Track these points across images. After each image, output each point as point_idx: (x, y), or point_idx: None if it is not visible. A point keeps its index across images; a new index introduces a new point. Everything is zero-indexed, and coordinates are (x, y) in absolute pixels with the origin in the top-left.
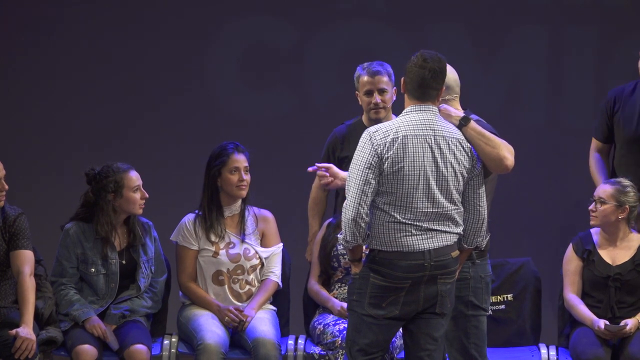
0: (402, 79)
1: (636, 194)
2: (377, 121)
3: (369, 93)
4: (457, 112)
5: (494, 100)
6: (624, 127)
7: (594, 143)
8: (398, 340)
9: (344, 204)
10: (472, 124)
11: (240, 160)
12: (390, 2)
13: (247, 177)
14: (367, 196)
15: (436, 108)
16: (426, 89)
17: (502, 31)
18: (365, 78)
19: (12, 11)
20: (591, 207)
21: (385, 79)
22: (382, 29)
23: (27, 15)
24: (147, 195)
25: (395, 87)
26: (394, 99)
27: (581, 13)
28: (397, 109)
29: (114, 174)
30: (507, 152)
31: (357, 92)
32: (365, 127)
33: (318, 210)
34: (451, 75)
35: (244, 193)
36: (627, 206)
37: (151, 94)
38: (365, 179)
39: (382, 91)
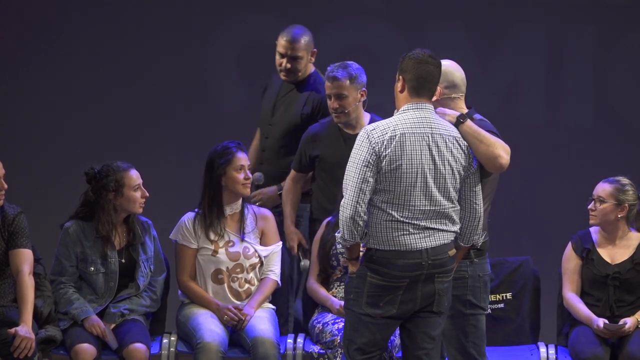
0: (401, 77)
1: (635, 193)
2: (347, 124)
3: (329, 97)
4: (453, 111)
5: (493, 99)
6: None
7: None
8: (397, 339)
9: (342, 203)
10: (468, 122)
11: (244, 158)
12: (390, 1)
13: (250, 175)
14: (364, 194)
15: (432, 106)
16: (429, 84)
17: (501, 30)
18: (326, 83)
19: (15, 13)
20: (590, 206)
21: (344, 83)
22: (382, 28)
23: (30, 17)
24: (148, 194)
25: (364, 89)
26: (364, 99)
27: (580, 12)
28: (376, 109)
29: (115, 172)
30: (502, 151)
31: None
32: (337, 127)
33: (291, 198)
34: (458, 73)
35: (248, 191)
36: (626, 205)
37: (151, 93)
38: (363, 177)
39: (339, 96)
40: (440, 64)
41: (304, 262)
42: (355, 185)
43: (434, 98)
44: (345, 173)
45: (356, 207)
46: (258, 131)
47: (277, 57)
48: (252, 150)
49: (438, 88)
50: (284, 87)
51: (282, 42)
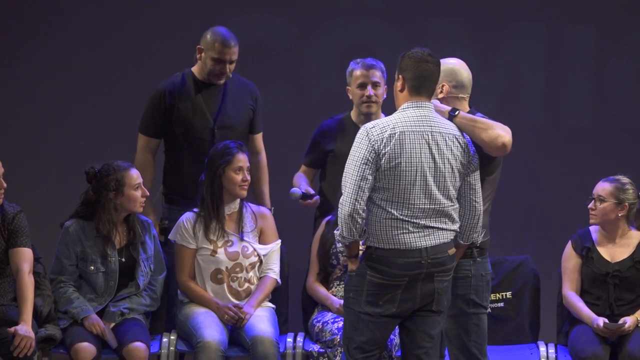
0: (400, 76)
1: (635, 192)
2: (368, 116)
3: (363, 86)
4: (445, 106)
5: (493, 98)
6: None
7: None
8: (397, 338)
9: (340, 200)
10: (461, 113)
11: (244, 160)
12: (390, 0)
13: (249, 177)
14: (363, 192)
15: (432, 104)
16: (429, 83)
17: (500, 29)
18: (359, 71)
19: (13, 12)
20: (590, 205)
21: (379, 73)
22: (381, 27)
23: (28, 17)
24: (148, 193)
25: (386, 86)
26: (385, 96)
27: (580, 11)
28: (388, 108)
29: (115, 172)
30: (501, 130)
31: (348, 87)
32: (354, 123)
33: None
34: (466, 74)
35: (245, 193)
36: (627, 204)
37: (151, 92)
38: (362, 175)
39: (375, 85)
40: (439, 63)
41: (294, 190)
42: (354, 182)
43: (441, 95)
44: (345, 170)
45: (355, 204)
46: (152, 141)
47: (213, 63)
48: (148, 163)
49: (445, 86)
50: (203, 90)
51: (221, 49)
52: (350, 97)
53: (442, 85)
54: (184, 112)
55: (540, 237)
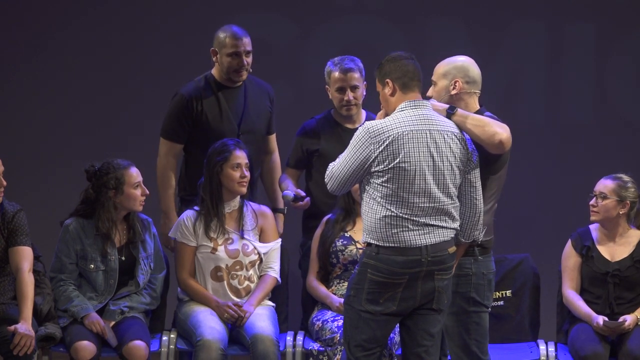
0: (387, 81)
1: (636, 190)
2: (348, 117)
3: (341, 90)
4: (443, 104)
5: (493, 97)
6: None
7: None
8: (397, 336)
9: (331, 182)
10: (459, 111)
11: (242, 156)
12: None
13: (248, 174)
14: (351, 183)
15: (429, 103)
16: (417, 76)
17: (501, 28)
18: (337, 74)
19: (12, 11)
20: (592, 202)
21: (357, 75)
22: (381, 25)
23: (29, 17)
24: (148, 192)
25: (365, 82)
26: (365, 94)
27: (580, 10)
28: (370, 105)
29: (115, 170)
30: (498, 127)
31: (327, 86)
32: (335, 122)
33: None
34: (477, 70)
35: (244, 190)
36: (628, 202)
37: (151, 91)
38: (352, 173)
39: (354, 88)
40: (415, 59)
41: (286, 193)
42: (344, 173)
43: (454, 92)
44: (341, 158)
45: (339, 189)
46: (176, 146)
47: (230, 59)
48: (172, 168)
49: (458, 82)
50: (226, 93)
51: (234, 42)
52: (330, 96)
53: (455, 82)
54: (212, 119)
55: (540, 235)
